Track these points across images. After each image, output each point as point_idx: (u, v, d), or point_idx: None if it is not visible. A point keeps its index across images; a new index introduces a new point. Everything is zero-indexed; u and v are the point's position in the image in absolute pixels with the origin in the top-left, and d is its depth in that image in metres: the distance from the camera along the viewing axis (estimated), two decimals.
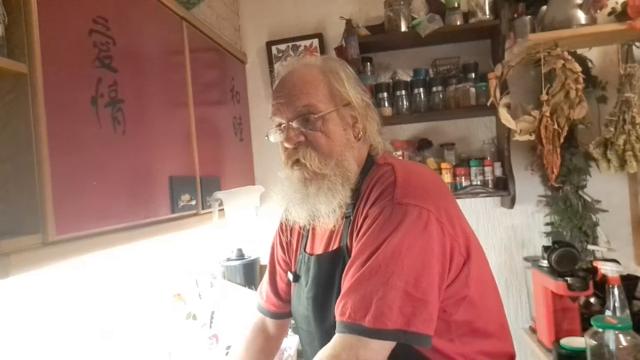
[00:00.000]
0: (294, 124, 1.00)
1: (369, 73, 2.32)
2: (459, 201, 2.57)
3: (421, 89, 2.23)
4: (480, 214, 2.36)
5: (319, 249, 1.09)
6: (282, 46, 2.48)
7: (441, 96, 2.22)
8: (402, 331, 0.82)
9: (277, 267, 1.27)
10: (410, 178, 0.95)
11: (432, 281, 0.86)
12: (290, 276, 1.18)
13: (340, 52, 2.22)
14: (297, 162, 1.02)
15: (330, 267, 1.02)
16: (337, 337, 0.86)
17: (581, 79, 1.85)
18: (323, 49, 2.45)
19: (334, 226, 1.04)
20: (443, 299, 0.91)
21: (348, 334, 0.84)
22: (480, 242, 1.06)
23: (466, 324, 0.95)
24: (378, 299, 0.83)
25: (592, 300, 1.81)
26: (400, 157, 2.24)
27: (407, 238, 0.86)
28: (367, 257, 0.88)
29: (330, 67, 1.05)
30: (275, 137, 1.06)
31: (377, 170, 1.01)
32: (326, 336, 0.97)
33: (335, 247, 1.04)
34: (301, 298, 1.11)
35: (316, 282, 1.05)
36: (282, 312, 1.26)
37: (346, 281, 0.90)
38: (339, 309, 0.88)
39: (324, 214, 1.01)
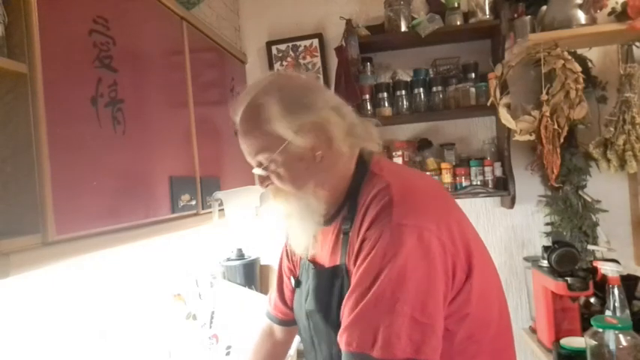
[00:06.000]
0: (257, 172, 1.03)
1: (369, 73, 2.32)
2: (458, 201, 2.57)
3: (421, 89, 2.23)
4: (480, 214, 2.36)
5: (321, 259, 1.08)
6: (282, 46, 2.48)
7: (441, 96, 2.22)
8: None
9: (284, 275, 1.27)
10: (406, 196, 0.90)
11: (437, 304, 0.84)
12: (292, 282, 1.18)
13: (340, 52, 2.22)
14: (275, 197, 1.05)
15: (328, 284, 1.01)
16: None
17: (581, 79, 1.86)
18: (323, 49, 2.45)
19: (337, 237, 1.02)
20: (445, 317, 0.87)
21: None
22: (482, 244, 1.03)
23: (467, 339, 0.91)
24: (385, 328, 0.80)
25: (592, 300, 1.81)
26: (399, 157, 2.24)
27: (410, 262, 0.83)
28: (370, 284, 0.84)
29: (259, 110, 0.97)
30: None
31: (371, 181, 0.97)
32: (327, 346, 1.00)
33: (334, 264, 1.02)
34: (302, 307, 1.10)
35: (315, 296, 1.04)
36: (289, 319, 1.26)
37: (349, 308, 0.87)
38: (344, 339, 0.85)
39: (303, 238, 1.06)
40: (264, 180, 1.03)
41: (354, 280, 0.89)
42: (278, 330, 1.30)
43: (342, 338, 0.86)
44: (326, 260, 1.06)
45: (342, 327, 0.87)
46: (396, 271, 0.82)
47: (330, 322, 0.99)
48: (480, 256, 0.94)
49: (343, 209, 1.01)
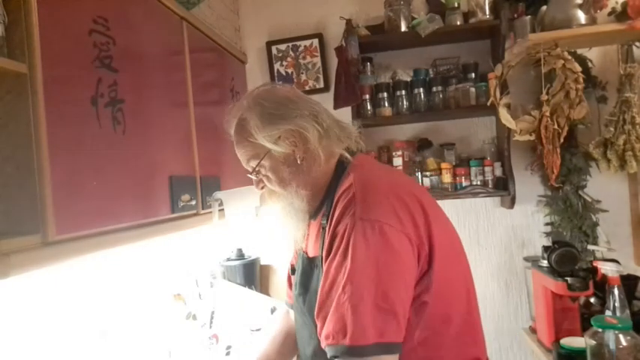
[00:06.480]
0: (251, 176, 1.18)
1: (369, 73, 2.32)
2: (458, 201, 2.56)
3: (421, 89, 2.23)
4: (480, 214, 2.36)
5: (309, 248, 1.19)
6: (282, 46, 2.49)
7: (441, 96, 2.22)
8: (378, 344, 0.88)
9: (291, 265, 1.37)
10: (368, 192, 1.00)
11: (399, 291, 0.93)
12: (291, 269, 1.31)
13: (340, 52, 2.22)
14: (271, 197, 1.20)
15: (309, 271, 1.14)
16: None
17: (581, 79, 1.86)
18: (323, 49, 2.45)
19: (319, 230, 1.12)
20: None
21: (339, 359, 0.90)
22: (455, 244, 1.10)
23: (427, 329, 0.98)
24: (353, 317, 0.89)
25: (592, 300, 1.81)
26: (399, 156, 2.24)
27: (371, 254, 0.91)
28: (338, 277, 0.93)
29: (244, 124, 1.12)
30: None
31: (345, 180, 1.07)
32: (308, 328, 1.12)
33: (315, 254, 1.13)
34: (293, 291, 1.22)
35: (300, 281, 1.16)
36: None
37: (321, 301, 0.96)
38: (323, 333, 0.94)
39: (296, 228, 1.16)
40: (258, 183, 1.18)
41: (325, 273, 0.98)
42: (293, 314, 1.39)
43: (321, 333, 0.95)
44: (311, 250, 1.16)
45: (320, 322, 0.96)
46: (359, 263, 0.92)
47: (307, 305, 1.11)
48: (446, 253, 1.02)
49: (324, 206, 1.12)
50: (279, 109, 1.10)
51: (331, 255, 0.97)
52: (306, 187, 1.11)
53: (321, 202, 1.13)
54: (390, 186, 1.05)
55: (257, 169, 1.13)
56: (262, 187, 1.18)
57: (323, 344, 0.94)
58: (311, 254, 1.16)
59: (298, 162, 1.10)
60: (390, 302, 0.90)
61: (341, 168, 1.12)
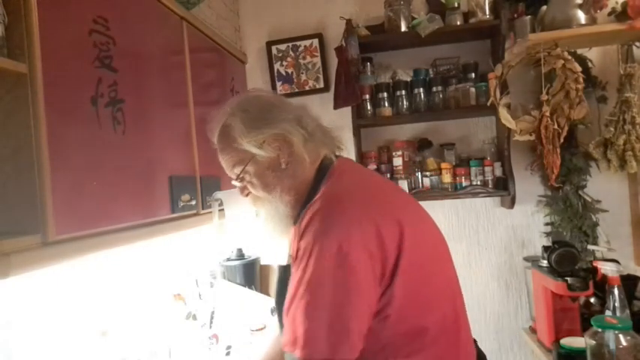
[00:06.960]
0: (235, 184, 1.18)
1: (369, 73, 2.32)
2: (458, 201, 2.55)
3: (421, 89, 2.24)
4: (480, 214, 2.36)
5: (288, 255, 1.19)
6: (282, 46, 2.49)
7: (441, 96, 2.22)
8: None
9: None
10: (331, 210, 0.98)
11: (354, 309, 0.92)
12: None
13: (340, 52, 2.22)
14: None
15: (283, 279, 1.12)
16: None
17: (581, 79, 1.86)
18: (323, 49, 2.45)
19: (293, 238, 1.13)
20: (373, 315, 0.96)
21: None
22: (436, 248, 1.09)
23: (400, 339, 0.97)
24: (306, 331, 0.90)
25: (592, 300, 1.81)
26: (400, 156, 2.24)
27: (327, 272, 0.92)
28: (297, 292, 0.95)
29: (227, 131, 1.12)
30: None
31: (319, 189, 1.07)
32: (282, 331, 1.09)
33: (286, 262, 1.13)
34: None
35: (276, 288, 1.17)
36: None
37: (284, 312, 0.97)
38: (284, 339, 0.96)
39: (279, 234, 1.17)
40: (243, 189, 1.17)
41: (291, 283, 0.98)
42: None
43: (283, 339, 0.97)
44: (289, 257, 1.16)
45: (283, 328, 0.98)
46: (315, 280, 0.92)
47: (279, 311, 1.10)
48: (422, 264, 1.00)
49: (301, 213, 1.07)
50: (262, 114, 1.11)
51: (294, 268, 0.98)
52: (289, 192, 1.12)
53: (301, 209, 1.10)
54: (358, 199, 1.01)
55: (241, 175, 1.13)
56: (247, 194, 1.18)
57: (284, 349, 0.96)
58: (286, 261, 1.15)
59: (283, 166, 1.10)
60: (344, 320, 0.91)
61: (321, 174, 1.11)
